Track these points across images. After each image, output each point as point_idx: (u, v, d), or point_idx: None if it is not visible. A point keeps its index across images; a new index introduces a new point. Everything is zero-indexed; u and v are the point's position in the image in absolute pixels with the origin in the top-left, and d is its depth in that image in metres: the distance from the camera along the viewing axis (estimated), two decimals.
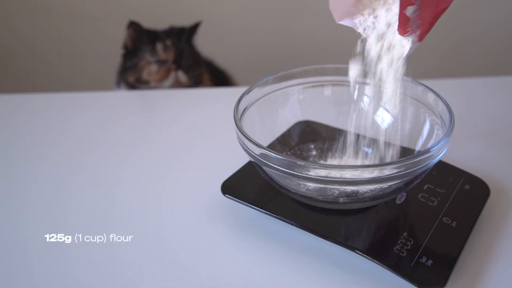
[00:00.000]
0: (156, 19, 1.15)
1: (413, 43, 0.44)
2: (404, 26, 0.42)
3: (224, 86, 1.15)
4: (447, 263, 0.44)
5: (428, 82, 0.56)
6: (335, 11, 0.45)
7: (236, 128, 0.48)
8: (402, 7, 0.41)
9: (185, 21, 1.10)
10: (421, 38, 0.43)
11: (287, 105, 0.59)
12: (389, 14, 0.44)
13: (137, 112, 0.81)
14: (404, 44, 0.44)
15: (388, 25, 0.44)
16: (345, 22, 0.46)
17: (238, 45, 1.46)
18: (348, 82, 0.51)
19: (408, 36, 0.43)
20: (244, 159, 0.55)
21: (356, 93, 0.54)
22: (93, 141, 0.68)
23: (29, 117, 0.75)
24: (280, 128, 0.59)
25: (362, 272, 0.45)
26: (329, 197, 0.47)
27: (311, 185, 0.46)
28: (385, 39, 0.45)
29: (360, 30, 0.46)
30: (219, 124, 0.69)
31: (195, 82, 1.09)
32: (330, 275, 0.45)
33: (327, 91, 0.59)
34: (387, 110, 0.54)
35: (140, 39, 1.05)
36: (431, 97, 0.53)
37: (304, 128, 0.60)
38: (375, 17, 0.45)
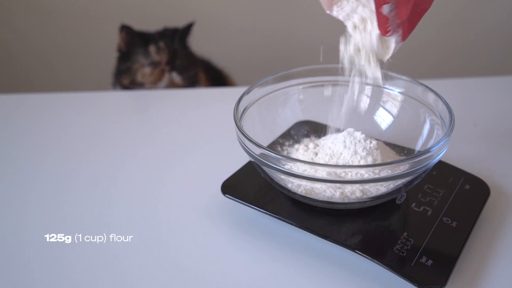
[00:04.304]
0: (154, 19, 1.15)
1: (396, 43, 0.44)
2: (383, 25, 0.42)
3: (223, 86, 1.15)
4: (447, 263, 0.44)
5: (428, 82, 0.56)
6: (323, 1, 0.45)
7: (236, 128, 0.48)
8: (378, 6, 0.41)
9: (184, 21, 1.10)
10: (404, 37, 0.43)
11: (287, 105, 0.60)
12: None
13: (138, 112, 0.81)
14: (388, 45, 0.44)
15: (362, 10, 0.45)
16: (333, 13, 0.46)
17: (235, 45, 1.46)
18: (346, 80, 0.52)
19: (390, 36, 0.43)
20: (244, 159, 0.55)
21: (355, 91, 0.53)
22: (94, 141, 0.68)
23: (28, 117, 0.75)
24: (280, 128, 0.59)
25: (362, 272, 0.45)
26: (330, 198, 0.47)
27: (310, 185, 0.46)
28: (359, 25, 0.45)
29: (341, 18, 0.46)
30: (219, 124, 0.69)
31: (190, 83, 1.09)
32: (330, 275, 0.45)
33: (327, 91, 0.59)
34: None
35: (132, 42, 1.05)
36: (431, 97, 0.53)
37: (304, 128, 0.60)
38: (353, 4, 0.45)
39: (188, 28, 1.09)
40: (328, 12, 0.46)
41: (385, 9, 0.41)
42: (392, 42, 0.44)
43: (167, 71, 1.05)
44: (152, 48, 1.05)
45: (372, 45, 0.44)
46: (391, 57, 0.45)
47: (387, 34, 0.43)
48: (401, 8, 0.41)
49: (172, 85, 1.07)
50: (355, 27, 0.45)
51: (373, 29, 0.44)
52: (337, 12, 0.45)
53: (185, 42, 1.10)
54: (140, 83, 1.06)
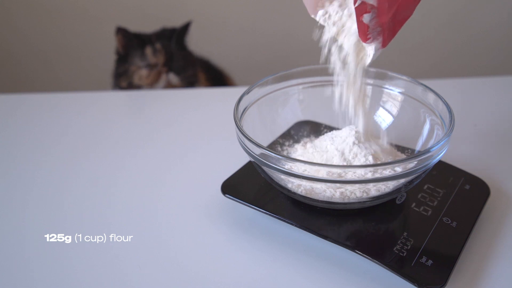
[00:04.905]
0: (154, 19, 1.15)
1: (376, 50, 0.44)
2: (364, 33, 0.42)
3: (223, 86, 1.15)
4: (447, 263, 0.44)
5: (428, 82, 0.56)
6: (307, 4, 0.45)
7: (236, 128, 0.48)
8: (358, 14, 0.41)
9: (183, 21, 1.10)
10: (384, 44, 0.44)
11: (287, 105, 0.60)
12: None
13: (137, 112, 0.81)
14: (368, 51, 0.45)
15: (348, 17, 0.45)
16: (317, 17, 0.46)
17: (235, 45, 1.46)
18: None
19: (370, 42, 0.43)
20: (244, 159, 0.55)
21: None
22: (94, 141, 0.68)
23: (28, 117, 0.75)
24: (280, 128, 0.59)
25: (362, 272, 0.45)
26: (330, 198, 0.47)
27: (310, 185, 0.46)
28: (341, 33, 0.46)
29: (322, 22, 0.46)
30: (219, 124, 0.69)
31: (188, 83, 1.09)
32: (330, 275, 0.45)
33: (327, 91, 0.59)
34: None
35: (129, 44, 1.05)
36: (431, 97, 0.53)
37: (304, 128, 0.60)
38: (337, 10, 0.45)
39: (185, 28, 1.08)
40: (312, 16, 0.46)
41: (366, 18, 0.41)
42: (372, 49, 0.44)
43: (164, 73, 1.05)
44: (148, 50, 1.04)
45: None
46: (371, 62, 0.46)
47: (367, 41, 0.43)
48: (382, 17, 0.41)
49: (169, 86, 1.07)
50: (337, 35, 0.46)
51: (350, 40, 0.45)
52: (323, 19, 0.46)
53: (182, 42, 1.10)
54: (138, 85, 1.06)
